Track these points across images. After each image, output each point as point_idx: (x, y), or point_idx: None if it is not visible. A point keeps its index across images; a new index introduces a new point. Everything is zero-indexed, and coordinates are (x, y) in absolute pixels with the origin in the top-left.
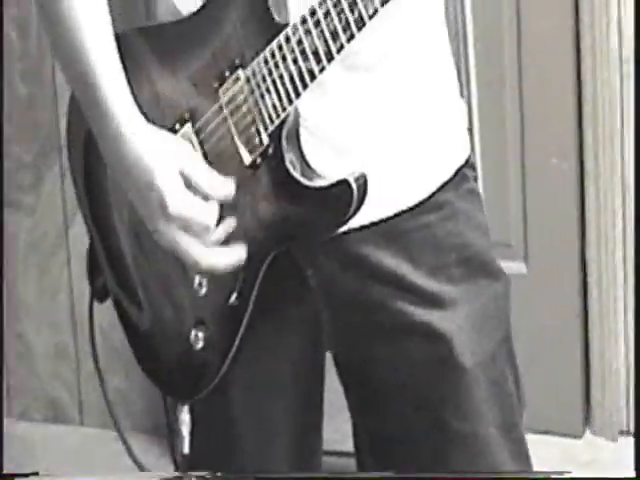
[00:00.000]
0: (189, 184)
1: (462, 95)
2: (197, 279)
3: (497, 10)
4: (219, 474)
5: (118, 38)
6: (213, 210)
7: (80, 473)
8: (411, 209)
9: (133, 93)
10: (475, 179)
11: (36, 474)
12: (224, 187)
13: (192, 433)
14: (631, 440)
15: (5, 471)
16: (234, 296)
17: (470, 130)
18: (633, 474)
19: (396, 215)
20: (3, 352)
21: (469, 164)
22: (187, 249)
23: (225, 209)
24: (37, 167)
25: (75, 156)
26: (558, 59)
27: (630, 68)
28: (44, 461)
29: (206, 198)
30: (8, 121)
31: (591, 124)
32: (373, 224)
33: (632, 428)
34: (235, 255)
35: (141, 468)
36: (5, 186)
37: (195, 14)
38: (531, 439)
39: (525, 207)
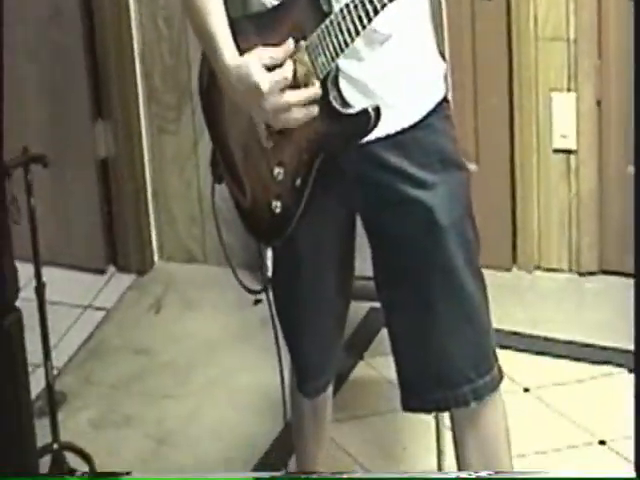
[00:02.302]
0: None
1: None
2: (276, 171)
3: None
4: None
5: (232, 21)
6: (287, 69)
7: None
8: (409, 128)
9: (239, 50)
10: (449, 108)
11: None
12: (288, 46)
13: (274, 264)
14: (541, 273)
15: (152, 300)
16: (299, 180)
17: (446, 77)
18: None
19: (400, 132)
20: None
21: (445, 99)
22: (280, 116)
23: None
24: (178, 107)
25: (205, 96)
26: None
27: None
28: (180, 290)
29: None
30: (161, 80)
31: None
32: (385, 137)
33: (543, 264)
34: (310, 110)
35: (244, 287)
36: (159, 119)
37: (275, 7)
38: None
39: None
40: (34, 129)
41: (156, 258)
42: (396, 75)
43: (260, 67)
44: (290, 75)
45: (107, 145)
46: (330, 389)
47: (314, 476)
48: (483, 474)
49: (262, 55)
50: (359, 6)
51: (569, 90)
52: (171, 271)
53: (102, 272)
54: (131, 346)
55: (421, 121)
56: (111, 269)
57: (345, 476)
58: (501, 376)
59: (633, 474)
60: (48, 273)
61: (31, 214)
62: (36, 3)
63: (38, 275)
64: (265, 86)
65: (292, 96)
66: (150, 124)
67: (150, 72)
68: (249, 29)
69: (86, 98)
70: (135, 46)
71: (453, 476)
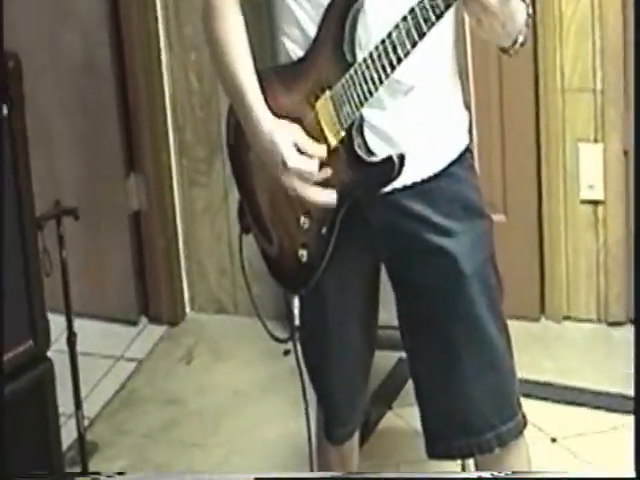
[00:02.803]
0: (299, 150)
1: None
2: (302, 220)
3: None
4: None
5: (260, 72)
6: (314, 164)
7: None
8: (433, 177)
9: (266, 101)
10: (472, 158)
11: None
12: (321, 150)
13: (300, 312)
14: (570, 324)
15: (183, 350)
16: (325, 229)
17: (470, 128)
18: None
19: (423, 181)
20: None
21: (468, 149)
22: (300, 190)
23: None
24: (208, 160)
25: (231, 148)
26: None
27: None
28: (211, 341)
29: (310, 157)
30: (192, 133)
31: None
32: (409, 186)
33: (572, 314)
34: (331, 196)
35: (272, 336)
36: (190, 172)
37: (301, 59)
38: (508, 322)
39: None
40: (67, 182)
41: (187, 309)
42: (420, 125)
43: (290, 144)
44: (316, 172)
45: (139, 198)
46: (356, 437)
47: (315, 476)
48: (501, 475)
49: (296, 137)
50: (382, 55)
51: (596, 141)
52: (202, 322)
53: (134, 323)
54: (162, 396)
55: (445, 170)
56: (143, 320)
57: (345, 476)
58: (525, 422)
59: (633, 474)
60: (81, 324)
61: (63, 266)
62: (69, 56)
63: (70, 326)
64: (291, 163)
65: (312, 193)
66: (181, 177)
67: (181, 125)
68: (276, 80)
69: (118, 151)
70: (167, 99)
71: (456, 476)
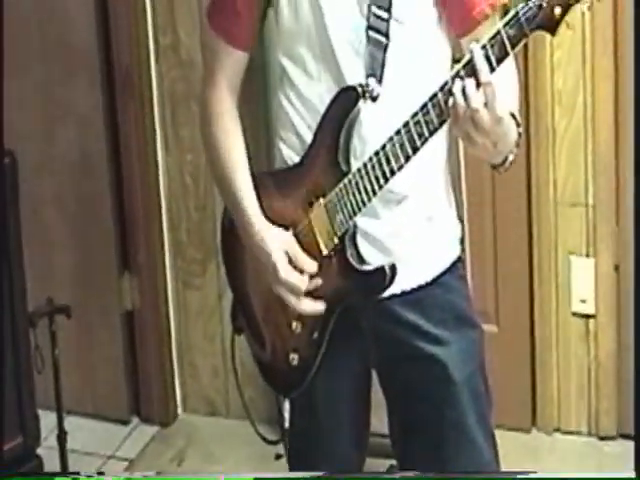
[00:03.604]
0: (291, 261)
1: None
2: (294, 324)
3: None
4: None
5: (255, 175)
6: (305, 280)
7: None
8: (424, 286)
9: (261, 205)
10: (464, 268)
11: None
12: (311, 265)
13: (291, 415)
14: (561, 436)
15: (174, 452)
16: (316, 334)
17: (462, 239)
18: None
19: (415, 289)
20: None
21: (460, 259)
22: (289, 300)
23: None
24: (203, 262)
25: (226, 248)
26: None
27: None
28: (202, 443)
29: (301, 271)
30: (187, 235)
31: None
32: (401, 294)
33: (562, 427)
34: (317, 307)
35: (262, 438)
36: (184, 273)
37: (296, 165)
38: (499, 433)
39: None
40: (60, 279)
41: (179, 410)
42: (412, 234)
43: (283, 254)
44: (305, 286)
45: (132, 297)
46: None
47: (314, 476)
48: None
49: (289, 247)
50: (376, 166)
51: (588, 255)
52: (194, 424)
53: (126, 423)
54: None
55: (436, 279)
56: (134, 420)
57: (346, 476)
58: None
59: (633, 474)
60: (72, 422)
61: (55, 363)
62: (65, 153)
63: (60, 423)
64: (283, 274)
65: (299, 303)
66: (175, 277)
67: (176, 226)
68: (271, 184)
69: (112, 250)
70: (162, 199)
71: (456, 476)
